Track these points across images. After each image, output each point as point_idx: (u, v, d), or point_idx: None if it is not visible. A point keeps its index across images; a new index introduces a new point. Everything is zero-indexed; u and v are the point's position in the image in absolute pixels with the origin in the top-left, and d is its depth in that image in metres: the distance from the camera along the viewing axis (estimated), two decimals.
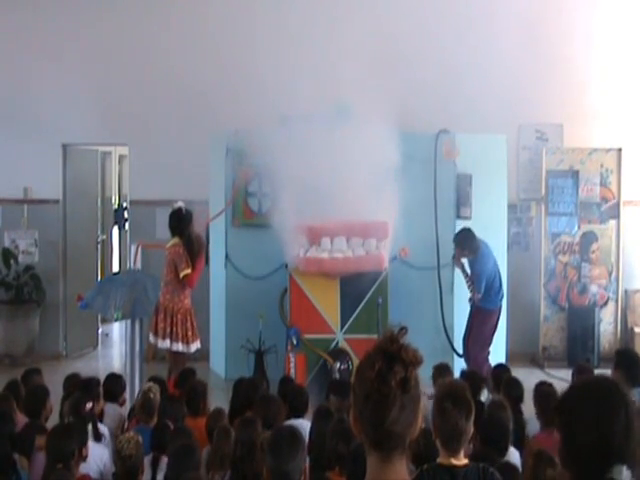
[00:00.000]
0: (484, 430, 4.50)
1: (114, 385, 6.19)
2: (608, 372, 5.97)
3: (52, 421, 5.57)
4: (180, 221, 8.09)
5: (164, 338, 7.82)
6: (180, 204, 8.18)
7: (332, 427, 4.55)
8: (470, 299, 8.61)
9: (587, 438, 2.28)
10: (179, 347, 7.86)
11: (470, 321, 8.60)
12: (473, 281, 8.43)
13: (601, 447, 2.26)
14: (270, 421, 4.99)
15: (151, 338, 7.87)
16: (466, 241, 8.46)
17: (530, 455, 4.29)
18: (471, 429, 3.45)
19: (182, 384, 6.53)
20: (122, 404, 6.22)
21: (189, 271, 7.91)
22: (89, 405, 5.26)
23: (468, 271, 8.55)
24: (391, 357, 2.09)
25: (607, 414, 2.28)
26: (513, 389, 5.77)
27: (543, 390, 5.49)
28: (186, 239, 8.01)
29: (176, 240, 8.00)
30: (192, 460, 4.37)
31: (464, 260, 8.59)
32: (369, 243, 8.52)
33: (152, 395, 5.58)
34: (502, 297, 8.64)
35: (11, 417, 5.02)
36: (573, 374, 6.57)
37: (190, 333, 7.92)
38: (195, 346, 7.99)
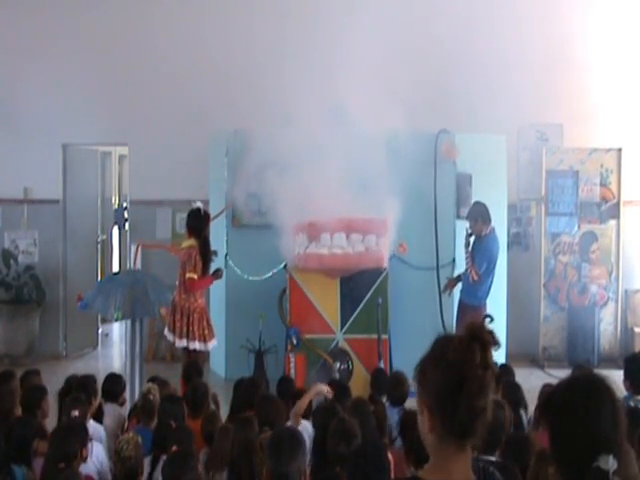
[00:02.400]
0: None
1: (114, 385, 6.18)
2: (608, 372, 5.97)
3: (50, 423, 5.57)
4: (198, 222, 8.00)
5: (181, 337, 7.82)
6: (199, 204, 8.10)
7: (333, 427, 4.55)
8: (463, 275, 8.53)
9: (575, 430, 2.34)
10: (196, 345, 7.85)
11: (458, 324, 8.52)
12: (473, 260, 8.31)
13: (588, 438, 2.32)
14: (271, 421, 4.99)
15: (169, 336, 7.87)
16: (488, 213, 8.32)
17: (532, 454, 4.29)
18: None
19: (187, 379, 6.53)
20: (122, 404, 6.22)
21: (194, 276, 7.84)
22: (75, 413, 5.23)
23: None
24: (486, 344, 2.16)
25: (594, 407, 2.35)
26: (513, 393, 5.77)
27: (547, 392, 5.49)
28: (202, 242, 7.95)
29: (192, 241, 7.92)
30: (188, 465, 4.34)
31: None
32: (369, 239, 8.53)
33: (152, 396, 5.57)
34: (488, 295, 8.50)
35: (29, 422, 5.01)
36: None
37: (207, 331, 7.92)
38: (212, 344, 8.00)
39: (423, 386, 2.19)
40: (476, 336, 2.15)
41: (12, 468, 4.56)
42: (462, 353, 2.13)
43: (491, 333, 2.17)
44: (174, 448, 4.62)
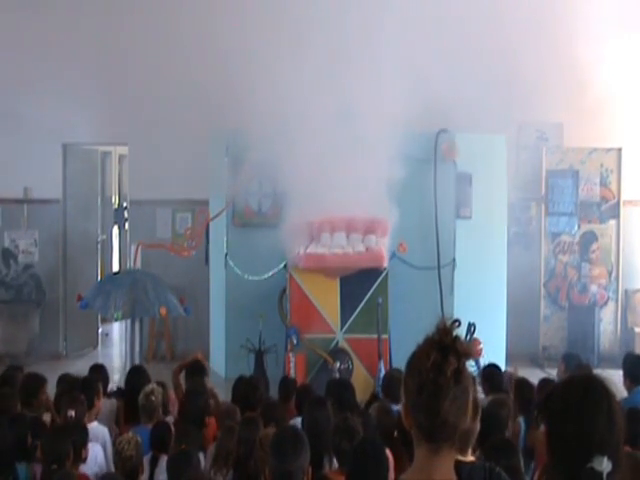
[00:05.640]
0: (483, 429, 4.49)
1: (99, 377, 6.15)
2: (608, 372, 6.01)
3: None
4: None
5: None
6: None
7: (336, 424, 4.56)
8: None
9: (570, 430, 2.33)
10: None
11: None
12: None
13: (583, 439, 2.32)
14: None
15: None
16: None
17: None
18: (477, 428, 3.44)
19: (190, 377, 6.50)
20: (109, 396, 6.12)
21: None
22: (71, 413, 5.21)
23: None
24: (445, 348, 2.16)
25: (590, 408, 2.34)
26: (524, 391, 5.75)
27: (545, 390, 5.49)
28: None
29: None
30: (190, 465, 4.35)
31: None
32: (369, 239, 8.53)
33: (154, 398, 5.55)
34: None
35: (23, 418, 5.01)
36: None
37: None
38: None
39: (403, 385, 2.26)
40: (435, 340, 2.18)
41: (15, 466, 4.57)
42: (419, 358, 2.18)
43: (455, 338, 2.18)
44: (183, 447, 4.63)
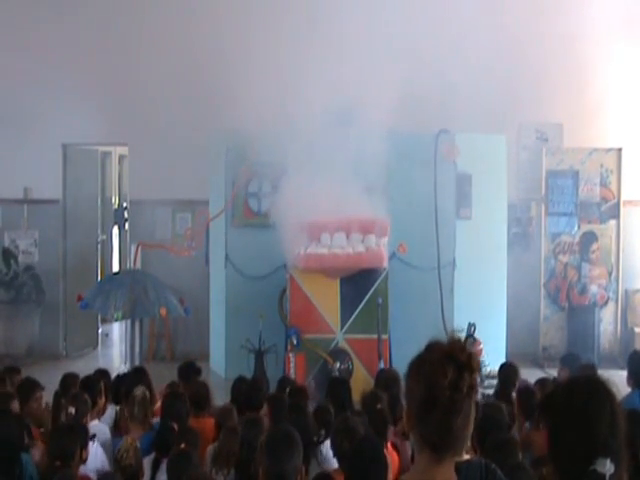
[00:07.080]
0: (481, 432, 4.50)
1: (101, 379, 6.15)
2: (608, 373, 6.00)
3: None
4: None
5: None
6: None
7: (336, 425, 4.57)
8: None
9: (573, 433, 2.33)
10: None
11: None
12: None
13: (585, 441, 2.31)
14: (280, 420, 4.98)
15: None
16: None
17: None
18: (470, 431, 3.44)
19: (186, 377, 6.49)
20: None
21: None
22: (71, 410, 5.21)
23: None
24: (461, 366, 2.18)
25: (592, 409, 2.33)
26: (528, 398, 5.73)
27: (546, 388, 5.49)
28: None
29: None
30: (191, 463, 4.35)
31: None
32: (369, 239, 8.53)
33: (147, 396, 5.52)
34: None
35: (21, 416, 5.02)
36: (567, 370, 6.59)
37: None
38: None
39: (407, 391, 2.27)
40: (451, 357, 2.19)
41: (22, 462, 4.56)
42: (433, 373, 2.19)
43: (470, 355, 2.20)
44: (183, 446, 4.63)
